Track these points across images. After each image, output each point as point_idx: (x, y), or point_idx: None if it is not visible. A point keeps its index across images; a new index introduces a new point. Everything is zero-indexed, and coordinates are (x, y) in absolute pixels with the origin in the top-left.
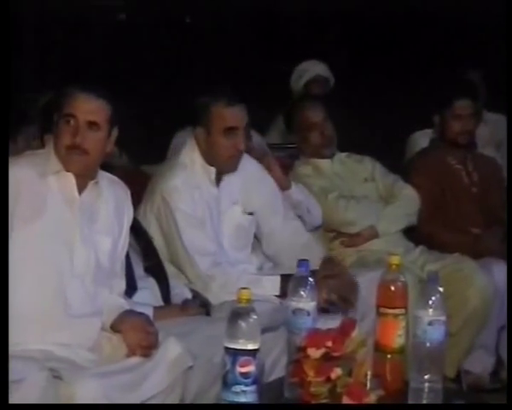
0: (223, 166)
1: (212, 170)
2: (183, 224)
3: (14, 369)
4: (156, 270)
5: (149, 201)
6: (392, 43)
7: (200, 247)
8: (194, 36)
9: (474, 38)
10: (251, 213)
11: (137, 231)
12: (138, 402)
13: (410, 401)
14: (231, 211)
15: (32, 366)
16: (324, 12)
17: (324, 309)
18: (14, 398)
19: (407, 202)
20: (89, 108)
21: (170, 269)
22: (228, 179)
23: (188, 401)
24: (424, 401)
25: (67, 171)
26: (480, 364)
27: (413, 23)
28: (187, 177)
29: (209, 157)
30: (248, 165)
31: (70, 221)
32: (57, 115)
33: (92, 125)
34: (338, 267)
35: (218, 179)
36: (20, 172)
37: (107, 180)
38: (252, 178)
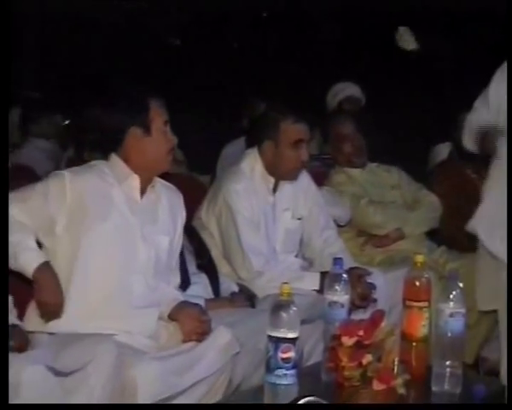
0: (286, 176)
1: (272, 179)
2: (241, 225)
3: (84, 350)
4: (207, 266)
5: (212, 202)
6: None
7: (255, 247)
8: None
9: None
10: (299, 219)
11: (191, 232)
12: (191, 382)
13: (433, 386)
14: (283, 216)
15: (103, 344)
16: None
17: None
18: (83, 376)
19: (430, 207)
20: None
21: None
22: (282, 188)
23: (235, 384)
24: (446, 386)
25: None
26: (497, 351)
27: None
28: (247, 183)
29: (273, 167)
30: (301, 176)
31: (133, 222)
32: (153, 123)
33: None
34: (359, 273)
35: (275, 188)
36: (90, 179)
37: (161, 185)
38: (301, 188)
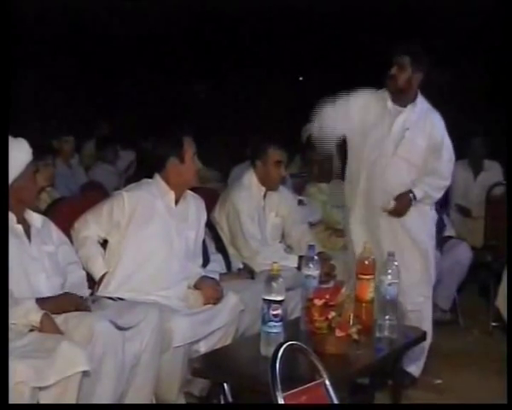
0: (271, 186)
1: (263, 189)
2: (243, 220)
3: (138, 312)
4: (221, 250)
5: (223, 205)
6: None
7: (253, 234)
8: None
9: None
10: (281, 217)
11: (211, 226)
12: (210, 331)
13: (376, 333)
14: (270, 216)
15: (151, 307)
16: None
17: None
18: (137, 329)
19: None
20: None
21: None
22: (269, 196)
23: (241, 332)
24: (385, 333)
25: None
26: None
27: None
28: (247, 192)
29: (263, 180)
30: (281, 188)
31: (170, 222)
32: (186, 155)
33: None
34: (325, 257)
35: (264, 196)
36: (141, 194)
37: (190, 195)
38: (282, 197)
